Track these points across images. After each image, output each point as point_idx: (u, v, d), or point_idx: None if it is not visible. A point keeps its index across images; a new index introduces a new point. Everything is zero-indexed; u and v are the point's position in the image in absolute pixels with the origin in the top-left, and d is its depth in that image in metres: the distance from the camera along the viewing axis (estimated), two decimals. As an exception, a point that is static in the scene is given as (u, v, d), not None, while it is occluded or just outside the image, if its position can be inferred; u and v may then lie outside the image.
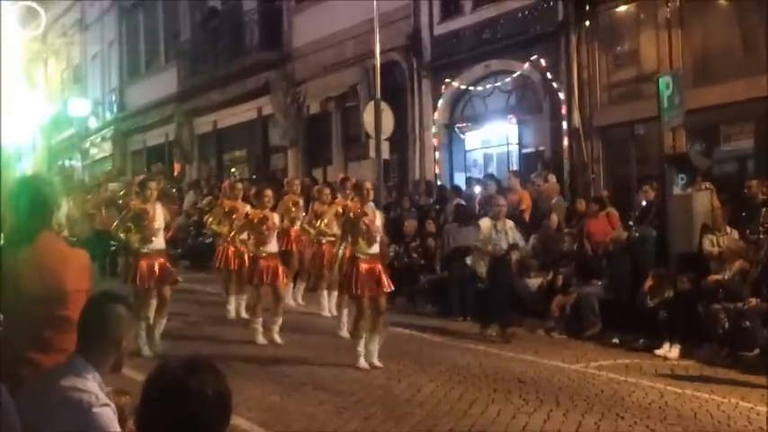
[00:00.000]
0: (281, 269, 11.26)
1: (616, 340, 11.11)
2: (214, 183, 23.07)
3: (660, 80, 12.24)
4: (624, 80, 15.50)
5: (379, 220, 9.88)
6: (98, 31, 34.93)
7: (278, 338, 10.98)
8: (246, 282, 11.88)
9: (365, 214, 9.70)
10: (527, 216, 14.70)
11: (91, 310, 3.36)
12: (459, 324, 12.89)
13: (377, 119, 16.81)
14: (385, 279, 9.65)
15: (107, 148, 34.72)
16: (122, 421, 3.27)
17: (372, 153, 17.35)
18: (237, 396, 6.79)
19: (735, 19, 13.64)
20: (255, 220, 11.29)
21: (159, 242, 10.41)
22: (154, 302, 10.56)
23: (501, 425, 7.30)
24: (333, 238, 12.38)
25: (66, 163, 37.09)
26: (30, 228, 3.92)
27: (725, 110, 13.49)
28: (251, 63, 23.84)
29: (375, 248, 9.71)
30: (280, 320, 11.11)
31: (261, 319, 11.08)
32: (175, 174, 22.84)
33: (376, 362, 9.54)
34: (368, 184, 10.12)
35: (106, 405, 3.12)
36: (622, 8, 15.46)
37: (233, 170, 27.67)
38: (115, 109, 33.74)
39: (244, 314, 12.68)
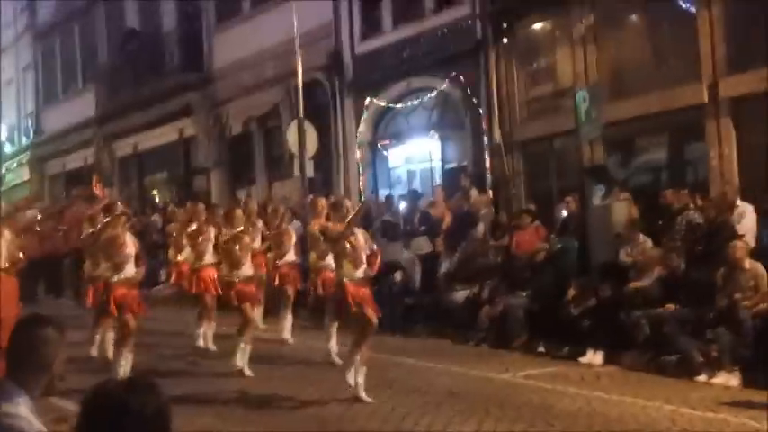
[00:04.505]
0: (255, 293, 10.87)
1: (542, 349, 11.26)
2: (137, 206, 22.72)
3: (577, 94, 12.53)
4: (542, 95, 15.80)
5: (362, 239, 9.00)
6: (12, 57, 34.18)
7: (247, 370, 10.16)
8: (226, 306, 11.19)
9: (352, 234, 8.83)
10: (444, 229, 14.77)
11: (20, 334, 3.29)
12: (386, 338, 12.90)
13: (300, 138, 16.82)
14: (372, 306, 8.83)
15: (24, 173, 33.94)
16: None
17: (297, 172, 17.33)
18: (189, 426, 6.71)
19: (646, 34, 14.05)
20: (229, 241, 10.63)
21: (130, 270, 9.78)
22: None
23: (433, 437, 7.37)
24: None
25: (-19, 190, 36.17)
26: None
27: (640, 122, 13.84)
28: (172, 85, 23.60)
29: (361, 272, 8.85)
30: (248, 348, 10.30)
31: (247, 345, 10.28)
32: (101, 197, 22.41)
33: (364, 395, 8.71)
34: (347, 202, 9.44)
35: (39, 431, 3.08)
36: (538, 25, 15.81)
37: (153, 192, 27.32)
38: (32, 134, 33.04)
39: (211, 345, 12.12)
